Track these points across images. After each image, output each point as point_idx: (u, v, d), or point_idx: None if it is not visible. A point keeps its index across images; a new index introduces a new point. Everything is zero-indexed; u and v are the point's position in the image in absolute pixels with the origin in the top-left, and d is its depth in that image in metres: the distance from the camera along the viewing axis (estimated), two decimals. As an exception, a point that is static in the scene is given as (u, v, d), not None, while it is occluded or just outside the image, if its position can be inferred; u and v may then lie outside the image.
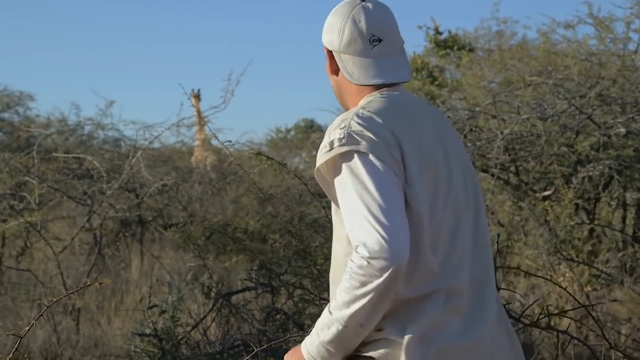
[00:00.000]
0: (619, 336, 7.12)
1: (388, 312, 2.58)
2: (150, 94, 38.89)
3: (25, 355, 4.12)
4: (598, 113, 9.36)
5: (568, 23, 11.46)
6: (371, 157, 2.53)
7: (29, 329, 2.63)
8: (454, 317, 2.62)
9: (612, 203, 10.10)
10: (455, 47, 14.41)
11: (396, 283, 2.49)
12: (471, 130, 9.78)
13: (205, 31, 46.09)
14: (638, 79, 9.53)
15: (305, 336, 2.66)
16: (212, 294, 6.16)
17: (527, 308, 4.93)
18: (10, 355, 2.65)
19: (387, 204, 2.49)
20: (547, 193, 9.69)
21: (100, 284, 2.75)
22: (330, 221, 2.98)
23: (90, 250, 10.84)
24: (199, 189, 14.30)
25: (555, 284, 4.73)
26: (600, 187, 9.69)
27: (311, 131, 26.91)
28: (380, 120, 2.60)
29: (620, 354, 5.26)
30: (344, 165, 2.56)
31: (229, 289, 6.66)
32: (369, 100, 2.71)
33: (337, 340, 2.58)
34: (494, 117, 9.71)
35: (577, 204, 9.20)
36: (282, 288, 5.79)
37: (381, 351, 2.59)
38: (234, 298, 6.32)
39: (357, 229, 2.50)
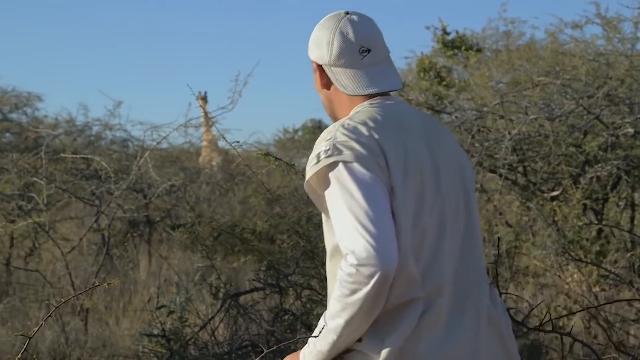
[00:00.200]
0: (627, 337, 7.11)
1: None
2: (158, 95, 38.93)
3: (34, 356, 4.12)
4: (606, 113, 9.34)
5: (576, 23, 11.44)
6: (357, 166, 2.58)
7: (37, 330, 2.64)
8: (434, 326, 2.64)
9: (621, 203, 10.07)
10: (463, 48, 14.40)
11: (385, 289, 2.52)
12: (479, 130, 9.77)
13: (213, 31, 46.13)
14: (646, 79, 9.53)
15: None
16: (220, 295, 6.16)
17: (530, 311, 4.92)
18: (19, 355, 2.66)
19: (375, 211, 2.53)
20: (555, 193, 9.67)
21: (108, 284, 2.75)
22: None
23: (99, 250, 10.86)
24: (206, 189, 14.31)
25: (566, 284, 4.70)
26: (609, 188, 9.67)
27: (319, 131, 26.86)
28: (365, 130, 2.64)
29: (626, 356, 5.26)
30: (331, 176, 2.61)
31: (237, 290, 6.66)
32: (357, 111, 2.76)
33: (333, 348, 2.62)
34: (501, 117, 9.70)
35: (585, 204, 9.18)
36: (290, 289, 5.79)
37: None
38: (242, 298, 6.32)
39: (345, 238, 2.54)
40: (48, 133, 12.61)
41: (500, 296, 3.10)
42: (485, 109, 9.92)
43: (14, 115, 15.66)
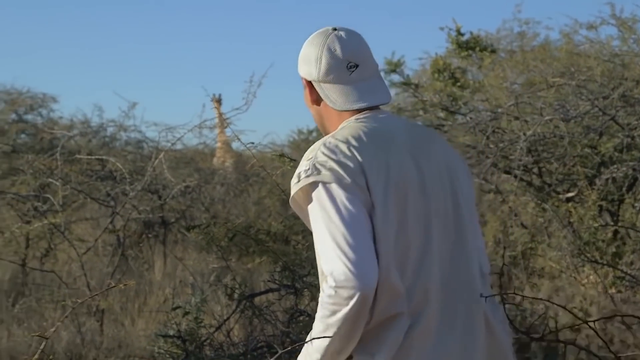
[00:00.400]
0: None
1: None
2: (173, 96, 38.99)
3: (51, 356, 4.14)
4: (621, 114, 9.31)
5: (591, 24, 11.39)
6: (335, 186, 2.61)
7: (54, 330, 2.64)
8: (424, 338, 2.66)
9: (636, 204, 10.03)
10: (477, 48, 14.36)
11: (365, 309, 2.56)
12: (494, 131, 9.76)
13: (228, 32, 46.17)
14: (662, 80, 9.49)
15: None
16: (236, 296, 6.16)
17: (534, 320, 4.92)
18: (36, 356, 2.67)
19: (352, 233, 2.57)
20: (570, 195, 9.64)
21: (125, 285, 2.76)
22: None
23: (114, 251, 10.88)
24: (221, 190, 14.32)
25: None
26: (624, 189, 9.63)
27: (333, 132, 26.89)
28: (345, 148, 2.67)
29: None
30: (312, 196, 2.66)
31: (252, 291, 6.66)
32: (342, 127, 2.80)
33: None
34: (516, 118, 9.68)
35: (600, 206, 9.15)
36: (306, 289, 5.79)
37: None
38: (257, 299, 6.32)
39: (325, 259, 2.59)
40: (63, 134, 12.62)
41: (515, 298, 3.10)
42: (499, 110, 9.90)
43: (29, 117, 15.69)
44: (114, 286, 2.79)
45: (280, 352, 2.65)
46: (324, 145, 2.71)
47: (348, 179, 2.62)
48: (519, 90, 10.35)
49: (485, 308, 2.81)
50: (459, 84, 13.48)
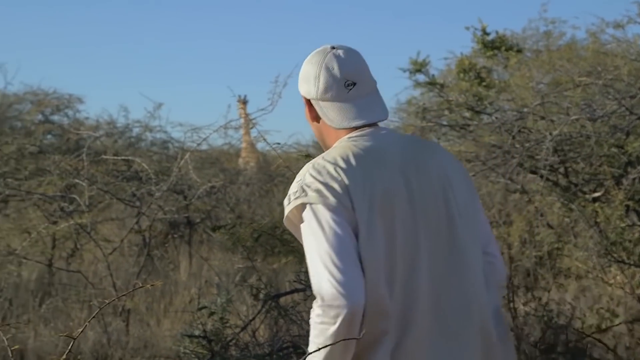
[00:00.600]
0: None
1: None
2: (198, 96, 39.09)
3: (77, 356, 4.16)
4: (649, 114, 9.26)
5: (617, 23, 11.32)
6: (322, 208, 2.67)
7: (82, 331, 2.65)
8: (416, 355, 2.69)
9: (664, 204, 9.98)
10: (503, 48, 14.30)
11: (353, 327, 2.61)
12: (520, 131, 9.71)
13: (254, 32, 46.24)
14: (689, 79, 9.42)
15: None
16: (261, 296, 6.17)
17: (573, 314, 4.90)
18: (64, 356, 2.68)
19: (338, 253, 2.62)
20: (597, 194, 9.59)
21: (152, 285, 2.77)
22: None
23: (140, 251, 10.92)
24: (246, 190, 14.34)
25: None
26: (652, 189, 9.57)
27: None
28: (332, 169, 2.74)
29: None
30: (302, 216, 2.73)
31: (277, 291, 6.68)
32: (334, 146, 2.86)
33: None
34: (542, 118, 9.63)
35: (627, 206, 9.09)
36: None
37: None
38: (282, 300, 6.33)
39: (313, 280, 2.66)
40: (89, 135, 12.67)
41: (540, 300, 3.08)
42: (525, 109, 9.86)
43: (55, 117, 15.76)
44: (141, 287, 2.80)
45: (307, 353, 2.64)
46: (312, 167, 2.78)
47: (333, 200, 2.68)
48: (545, 90, 10.30)
49: (486, 321, 2.83)
50: (484, 83, 13.43)
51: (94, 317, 2.76)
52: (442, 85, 13.49)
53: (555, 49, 13.67)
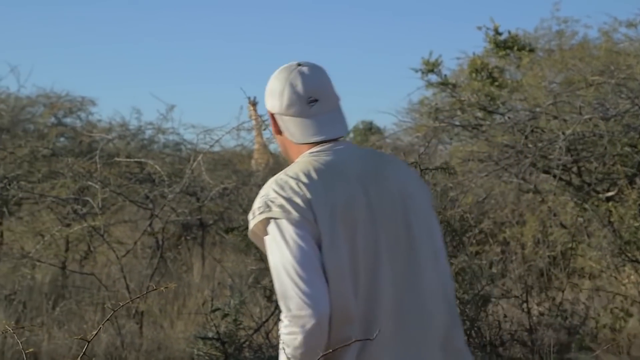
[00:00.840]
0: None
1: None
2: (210, 98, 39.14)
3: (91, 359, 4.16)
4: (662, 112, 9.23)
5: (630, 22, 11.31)
6: (285, 222, 2.76)
7: (96, 334, 2.66)
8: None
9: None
10: (515, 48, 14.29)
11: (319, 336, 2.70)
12: (532, 131, 9.70)
13: (265, 33, 46.29)
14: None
15: None
16: (274, 297, 6.16)
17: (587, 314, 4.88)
18: (78, 359, 2.68)
19: (302, 265, 2.71)
20: (610, 194, 9.56)
21: (165, 288, 2.79)
22: None
23: (153, 254, 10.92)
24: (259, 192, 14.31)
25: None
26: (665, 188, 9.54)
27: (370, 133, 26.88)
28: (294, 184, 2.83)
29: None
30: (267, 230, 2.81)
31: (290, 292, 6.65)
32: (297, 161, 2.96)
33: None
34: (555, 117, 9.61)
35: (641, 205, 9.07)
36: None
37: None
38: (295, 301, 6.31)
39: (279, 292, 2.75)
40: (102, 137, 12.68)
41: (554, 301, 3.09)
42: (538, 109, 9.84)
43: (68, 120, 15.77)
44: (155, 289, 2.82)
45: (321, 354, 2.64)
46: (275, 182, 2.87)
47: (296, 215, 2.77)
48: (557, 89, 10.29)
49: (445, 327, 2.91)
50: (497, 83, 13.42)
51: (108, 319, 2.76)
52: (454, 85, 13.48)
53: (567, 48, 13.64)
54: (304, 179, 2.84)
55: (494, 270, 7.80)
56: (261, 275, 8.89)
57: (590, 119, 9.23)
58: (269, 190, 2.86)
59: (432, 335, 2.86)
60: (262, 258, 6.65)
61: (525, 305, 7.50)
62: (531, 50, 14.33)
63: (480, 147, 10.43)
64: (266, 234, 2.82)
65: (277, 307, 6.14)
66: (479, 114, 11.54)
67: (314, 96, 2.96)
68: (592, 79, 9.82)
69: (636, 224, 8.37)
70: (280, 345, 2.76)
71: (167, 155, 13.85)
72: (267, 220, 2.81)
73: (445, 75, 13.90)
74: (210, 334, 6.02)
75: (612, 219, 8.79)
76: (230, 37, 45.46)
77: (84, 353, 2.71)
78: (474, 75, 13.89)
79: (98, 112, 27.44)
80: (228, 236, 9.08)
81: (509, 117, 10.20)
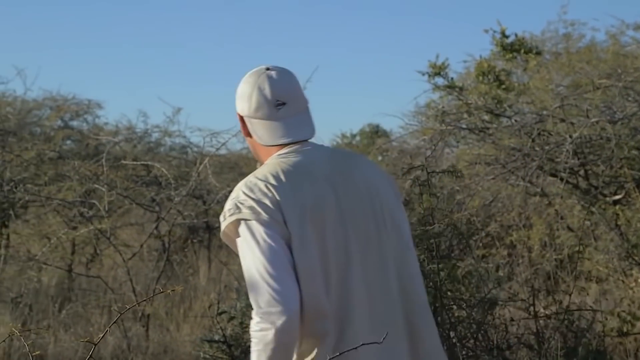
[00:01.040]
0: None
1: None
2: (217, 101, 39.14)
3: (98, 362, 4.16)
4: (670, 115, 9.21)
5: (638, 24, 11.29)
6: (255, 223, 2.85)
7: (102, 337, 2.66)
8: (352, 356, 2.78)
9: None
10: (522, 51, 14.26)
11: (290, 333, 2.79)
12: (539, 134, 9.68)
13: (272, 35, 46.28)
14: None
15: None
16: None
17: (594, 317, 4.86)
18: (85, 362, 2.67)
19: (272, 264, 2.80)
20: (617, 197, 9.54)
21: (172, 291, 2.82)
22: None
23: (159, 256, 10.93)
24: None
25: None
26: (673, 191, 9.52)
27: (376, 136, 26.86)
28: (263, 186, 2.92)
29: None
30: (237, 231, 2.90)
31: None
32: (266, 163, 3.06)
33: None
34: (562, 120, 9.60)
35: (648, 208, 9.05)
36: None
37: None
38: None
39: (251, 290, 2.84)
40: (108, 140, 12.70)
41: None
42: (545, 112, 9.82)
43: (74, 123, 15.76)
44: (161, 292, 2.84)
45: (328, 358, 2.65)
46: (245, 185, 2.96)
47: (266, 216, 2.85)
48: (564, 92, 10.27)
49: (414, 323, 3.00)
50: (503, 86, 13.40)
51: (114, 322, 2.77)
52: (461, 89, 13.46)
53: (574, 51, 13.61)
54: (273, 181, 2.92)
55: (500, 273, 7.79)
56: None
57: (597, 122, 9.22)
58: (239, 193, 2.95)
59: (401, 332, 2.95)
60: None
61: (532, 308, 7.48)
62: (538, 53, 14.31)
63: (487, 150, 10.41)
64: (238, 235, 2.89)
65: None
66: (486, 117, 11.52)
67: (282, 99, 3.04)
68: (600, 82, 9.80)
69: (643, 228, 8.36)
70: (252, 345, 2.83)
71: (173, 158, 13.86)
72: (237, 222, 2.88)
73: (452, 78, 13.88)
74: (216, 337, 6.01)
75: (619, 223, 8.77)
76: (237, 40, 45.47)
77: (91, 356, 2.72)
78: (480, 78, 13.87)
79: (105, 115, 27.48)
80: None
81: (515, 120, 10.18)
